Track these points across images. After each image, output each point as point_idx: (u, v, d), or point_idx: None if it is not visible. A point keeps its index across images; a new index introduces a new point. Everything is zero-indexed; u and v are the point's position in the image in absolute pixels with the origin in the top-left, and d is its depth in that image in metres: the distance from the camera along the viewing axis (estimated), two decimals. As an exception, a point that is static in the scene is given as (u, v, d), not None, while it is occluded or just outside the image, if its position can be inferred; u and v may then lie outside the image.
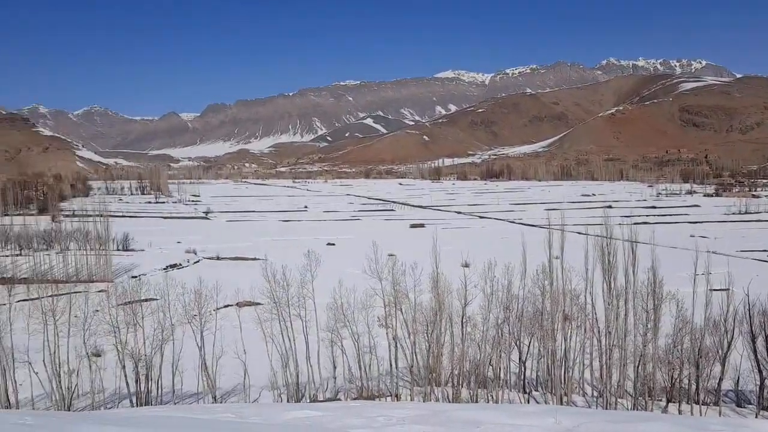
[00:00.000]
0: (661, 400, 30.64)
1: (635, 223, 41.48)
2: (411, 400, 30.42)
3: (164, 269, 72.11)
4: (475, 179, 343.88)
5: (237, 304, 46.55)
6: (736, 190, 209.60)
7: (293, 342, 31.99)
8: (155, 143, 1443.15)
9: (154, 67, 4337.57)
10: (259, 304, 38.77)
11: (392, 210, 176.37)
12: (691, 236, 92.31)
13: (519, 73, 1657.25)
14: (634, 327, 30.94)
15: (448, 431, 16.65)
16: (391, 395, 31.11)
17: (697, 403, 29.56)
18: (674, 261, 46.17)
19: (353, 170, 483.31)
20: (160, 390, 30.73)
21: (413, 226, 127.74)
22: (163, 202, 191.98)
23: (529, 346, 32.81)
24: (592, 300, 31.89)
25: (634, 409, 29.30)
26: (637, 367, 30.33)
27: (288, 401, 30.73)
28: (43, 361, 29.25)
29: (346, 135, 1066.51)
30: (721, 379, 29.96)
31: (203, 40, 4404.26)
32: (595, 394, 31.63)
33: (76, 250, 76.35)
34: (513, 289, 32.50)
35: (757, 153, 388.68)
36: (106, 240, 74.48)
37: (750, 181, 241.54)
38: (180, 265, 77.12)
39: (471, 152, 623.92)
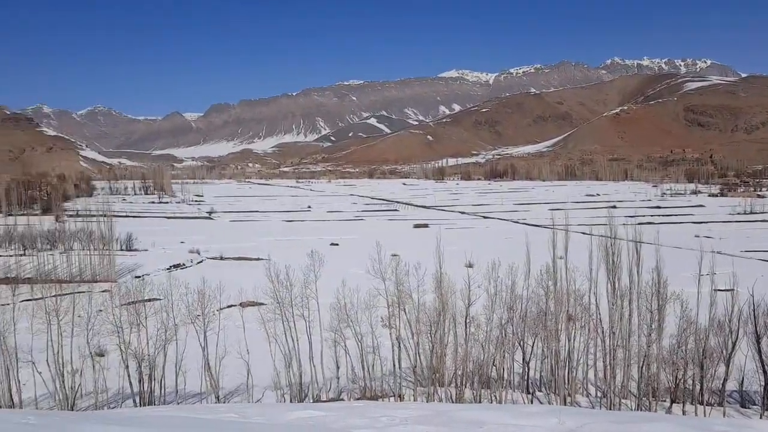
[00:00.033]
0: (665, 401, 30.53)
1: (640, 224, 41.32)
2: (414, 400, 30.37)
3: (167, 269, 72.20)
4: (479, 179, 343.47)
5: (240, 304, 46.58)
6: (741, 190, 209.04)
7: (296, 342, 31.97)
8: (159, 143, 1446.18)
9: (158, 67, 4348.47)
10: (262, 304, 38.80)
11: (396, 210, 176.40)
12: (696, 236, 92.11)
13: (523, 72, 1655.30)
14: (638, 327, 30.83)
15: (452, 431, 16.61)
16: (394, 395, 31.06)
17: (702, 403, 29.45)
18: (679, 261, 46.02)
19: (357, 170, 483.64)
20: (163, 390, 30.74)
21: (417, 226, 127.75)
22: (167, 202, 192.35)
23: (532, 347, 32.73)
24: (596, 300, 31.78)
25: (637, 409, 29.19)
26: (641, 367, 30.22)
27: (291, 401, 30.71)
28: (47, 360, 29.29)
29: (350, 135, 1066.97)
30: (725, 380, 29.82)
31: (207, 40, 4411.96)
32: (599, 394, 31.54)
33: (79, 250, 76.51)
34: (517, 289, 32.41)
35: (763, 153, 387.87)
36: (109, 240, 74.66)
37: (755, 181, 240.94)
38: (183, 265, 77.22)
39: (475, 152, 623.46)
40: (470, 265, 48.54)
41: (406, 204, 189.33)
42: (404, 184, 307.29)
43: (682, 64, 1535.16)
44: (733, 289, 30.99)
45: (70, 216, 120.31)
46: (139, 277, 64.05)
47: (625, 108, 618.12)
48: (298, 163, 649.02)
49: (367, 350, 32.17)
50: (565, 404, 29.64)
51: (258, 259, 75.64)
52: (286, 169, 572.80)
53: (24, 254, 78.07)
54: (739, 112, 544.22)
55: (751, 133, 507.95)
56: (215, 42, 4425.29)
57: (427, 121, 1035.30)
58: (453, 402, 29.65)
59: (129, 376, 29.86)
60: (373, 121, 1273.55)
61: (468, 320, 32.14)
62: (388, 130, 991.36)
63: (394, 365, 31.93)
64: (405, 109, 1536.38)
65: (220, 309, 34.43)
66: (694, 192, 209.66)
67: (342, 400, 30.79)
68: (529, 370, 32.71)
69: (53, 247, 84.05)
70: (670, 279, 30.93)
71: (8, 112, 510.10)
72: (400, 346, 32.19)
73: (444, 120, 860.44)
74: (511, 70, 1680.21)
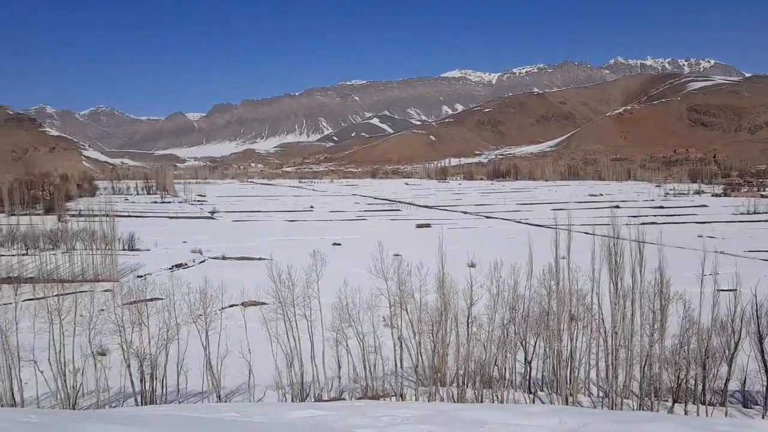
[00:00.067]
0: (667, 401, 30.47)
1: (643, 224, 41.26)
2: (416, 400, 30.35)
3: (170, 269, 72.30)
4: (481, 179, 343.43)
5: (242, 303, 46.57)
6: (745, 190, 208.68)
7: (298, 342, 31.96)
8: (161, 143, 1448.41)
9: (160, 68, 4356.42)
10: (264, 303, 38.78)
11: (398, 210, 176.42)
12: (699, 236, 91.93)
13: (526, 72, 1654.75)
14: (641, 327, 30.76)
15: (453, 431, 16.60)
16: (395, 395, 31.04)
17: (704, 403, 29.38)
18: (682, 261, 45.91)
19: (359, 170, 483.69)
20: (165, 389, 30.76)
21: (419, 226, 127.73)
22: (169, 202, 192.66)
23: (534, 347, 32.69)
24: (598, 300, 31.72)
25: (639, 409, 29.13)
26: (644, 367, 30.15)
27: (293, 401, 30.71)
28: (49, 360, 29.33)
29: (353, 135, 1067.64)
30: (727, 380, 29.75)
31: (209, 41, 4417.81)
32: (601, 394, 31.47)
33: (81, 249, 76.69)
34: (519, 289, 32.36)
35: (766, 153, 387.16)
36: (111, 240, 74.78)
37: (758, 181, 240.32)
38: (185, 264, 77.32)
39: (478, 152, 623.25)
40: (472, 265, 48.64)
41: (408, 204, 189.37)
42: (407, 184, 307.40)
43: (686, 63, 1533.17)
44: (735, 290, 30.92)
45: (73, 216, 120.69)
46: (141, 276, 64.12)
47: (629, 108, 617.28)
48: (301, 163, 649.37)
49: (369, 350, 32.14)
50: (567, 404, 29.60)
51: (260, 258, 75.69)
52: (288, 169, 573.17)
53: (26, 254, 78.24)
54: (742, 112, 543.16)
55: (754, 133, 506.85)
56: (218, 42, 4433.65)
57: (430, 121, 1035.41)
58: (455, 402, 29.61)
59: (131, 375, 29.89)
60: (375, 121, 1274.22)
61: (470, 320, 32.11)
62: (391, 130, 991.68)
63: (395, 365, 31.90)
64: (408, 109, 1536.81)
65: (222, 308, 34.43)
66: (698, 192, 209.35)
67: (343, 399, 30.79)
68: (531, 369, 32.65)
69: (56, 246, 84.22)
70: (672, 279, 30.84)
71: (11, 113, 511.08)
72: (401, 346, 32.17)
73: (447, 120, 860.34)
74: (514, 70, 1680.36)
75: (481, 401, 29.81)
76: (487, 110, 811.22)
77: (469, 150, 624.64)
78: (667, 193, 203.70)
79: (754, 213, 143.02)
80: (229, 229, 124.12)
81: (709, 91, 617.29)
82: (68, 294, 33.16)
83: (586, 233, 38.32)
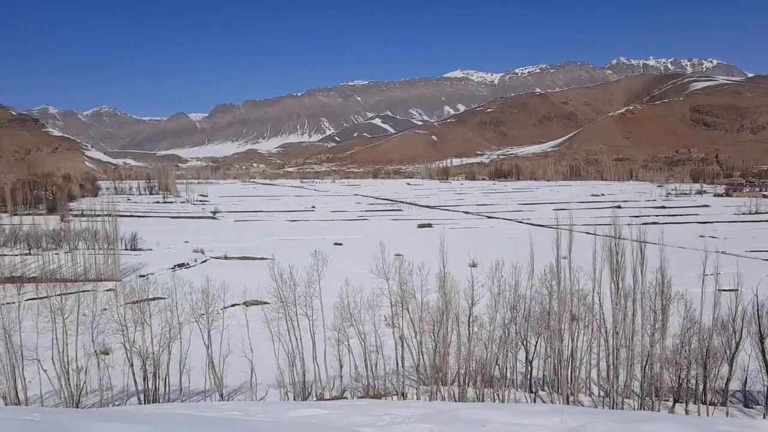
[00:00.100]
0: (668, 400, 30.51)
1: (644, 223, 41.28)
2: (417, 398, 30.44)
3: (172, 268, 72.48)
4: (483, 179, 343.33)
5: (244, 303, 46.74)
6: (747, 190, 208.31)
7: (300, 341, 32.07)
8: (164, 143, 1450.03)
9: (163, 68, 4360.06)
10: (266, 303, 38.89)
11: (400, 210, 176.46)
12: (701, 236, 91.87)
13: (528, 72, 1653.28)
14: (642, 327, 30.79)
15: (454, 430, 16.68)
16: (397, 394, 31.14)
17: (705, 403, 29.42)
18: (683, 261, 45.97)
19: (361, 170, 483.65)
20: (167, 388, 30.88)
21: (421, 226, 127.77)
22: (171, 202, 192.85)
23: (536, 346, 32.75)
24: (599, 300, 31.76)
25: (640, 409, 29.18)
26: (645, 367, 30.20)
27: (295, 399, 30.81)
28: (52, 358, 29.46)
29: (354, 135, 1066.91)
30: (728, 380, 29.78)
31: (212, 41, 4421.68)
32: (602, 393, 31.53)
33: (84, 249, 76.91)
34: (520, 289, 32.41)
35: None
36: (114, 239, 74.96)
37: (761, 181, 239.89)
38: (188, 264, 77.51)
39: (479, 152, 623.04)
40: (474, 265, 48.69)
41: (410, 204, 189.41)
42: (408, 184, 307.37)
43: (688, 64, 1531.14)
44: (737, 290, 30.96)
45: (75, 216, 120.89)
46: (144, 276, 64.29)
47: (631, 108, 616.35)
48: (303, 164, 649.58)
49: (371, 349, 32.23)
50: (567, 403, 29.66)
51: (262, 258, 75.82)
52: (290, 169, 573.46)
53: (29, 253, 78.49)
54: (745, 112, 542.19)
55: (757, 133, 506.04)
56: (220, 42, 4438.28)
57: (432, 121, 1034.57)
58: (456, 401, 29.68)
59: (134, 374, 30.04)
60: (377, 121, 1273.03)
61: (471, 319, 32.18)
62: (393, 131, 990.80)
63: (397, 364, 31.99)
64: (409, 109, 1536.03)
65: (224, 308, 34.54)
66: (700, 192, 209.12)
67: (345, 398, 30.89)
68: (532, 369, 32.71)
69: (58, 246, 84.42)
70: (674, 279, 30.88)
71: (14, 113, 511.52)
72: (403, 345, 32.25)
73: (448, 120, 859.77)
74: (516, 70, 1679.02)
75: (483, 400, 29.88)
76: (489, 110, 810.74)
77: (471, 150, 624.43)
78: (669, 194, 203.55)
79: (756, 213, 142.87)
80: (231, 229, 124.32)
81: (712, 91, 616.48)
82: (71, 293, 33.32)
83: (587, 233, 38.29)
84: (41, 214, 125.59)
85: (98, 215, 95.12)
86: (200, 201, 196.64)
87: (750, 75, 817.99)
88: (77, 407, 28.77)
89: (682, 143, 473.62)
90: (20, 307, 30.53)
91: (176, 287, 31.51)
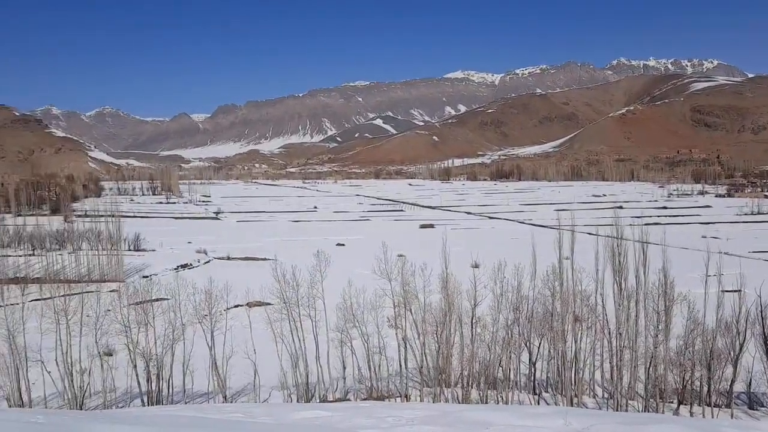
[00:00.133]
0: (672, 402, 30.46)
1: (646, 224, 41.22)
2: (420, 400, 30.39)
3: (175, 269, 72.49)
4: (485, 180, 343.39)
5: (247, 304, 46.72)
6: (749, 190, 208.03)
7: (303, 342, 32.04)
8: (166, 144, 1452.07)
9: (165, 69, 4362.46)
10: (269, 304, 38.90)
11: (402, 210, 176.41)
12: (703, 237, 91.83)
13: (529, 73, 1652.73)
14: (645, 328, 30.72)
15: (458, 432, 16.65)
16: (400, 396, 31.10)
17: (709, 405, 29.35)
18: (686, 262, 45.85)
19: (363, 171, 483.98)
20: (171, 389, 30.89)
21: (423, 226, 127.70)
22: (174, 203, 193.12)
23: (539, 347, 32.70)
24: (602, 301, 31.70)
25: (644, 410, 29.13)
26: (648, 368, 30.15)
27: (298, 401, 30.80)
28: (56, 360, 29.48)
29: (356, 135, 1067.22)
30: (733, 381, 29.71)
31: (214, 42, 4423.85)
32: (606, 395, 31.47)
33: (88, 250, 76.95)
34: (523, 290, 32.37)
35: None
36: (117, 240, 75.06)
37: (762, 181, 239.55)
38: (191, 265, 77.50)
39: (481, 153, 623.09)
40: (476, 266, 48.60)
41: (412, 204, 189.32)
42: (410, 184, 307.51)
43: (689, 64, 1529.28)
44: (740, 290, 30.86)
45: (79, 216, 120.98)
46: (147, 277, 64.28)
47: (632, 108, 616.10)
48: (305, 164, 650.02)
49: (374, 350, 32.20)
50: (571, 405, 29.61)
51: (264, 259, 75.82)
52: (292, 169, 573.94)
53: (33, 254, 78.53)
54: (746, 113, 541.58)
55: (758, 134, 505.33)
56: (222, 43, 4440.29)
57: (433, 121, 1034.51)
58: (459, 402, 29.67)
59: (137, 375, 30.02)
60: (379, 121, 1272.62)
61: (474, 321, 32.14)
62: (394, 131, 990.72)
63: (400, 366, 31.98)
64: (411, 109, 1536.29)
65: (227, 309, 34.61)
66: (701, 192, 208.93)
67: (348, 400, 30.85)
68: (535, 371, 32.68)
69: (62, 247, 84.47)
70: (676, 280, 30.83)
71: (17, 114, 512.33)
72: (406, 347, 32.25)
73: (450, 121, 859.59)
74: (517, 71, 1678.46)
75: (486, 402, 29.86)
76: (490, 111, 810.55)
77: (473, 151, 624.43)
78: (671, 194, 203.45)
79: (758, 213, 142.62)
80: (234, 230, 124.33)
81: (713, 91, 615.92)
82: (75, 294, 33.32)
83: (589, 234, 38.24)
84: (45, 215, 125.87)
85: (101, 216, 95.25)
86: (203, 201, 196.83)
87: (750, 75, 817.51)
88: (81, 409, 28.79)
89: (683, 144, 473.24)
90: (24, 308, 30.52)
91: (179, 288, 31.51)
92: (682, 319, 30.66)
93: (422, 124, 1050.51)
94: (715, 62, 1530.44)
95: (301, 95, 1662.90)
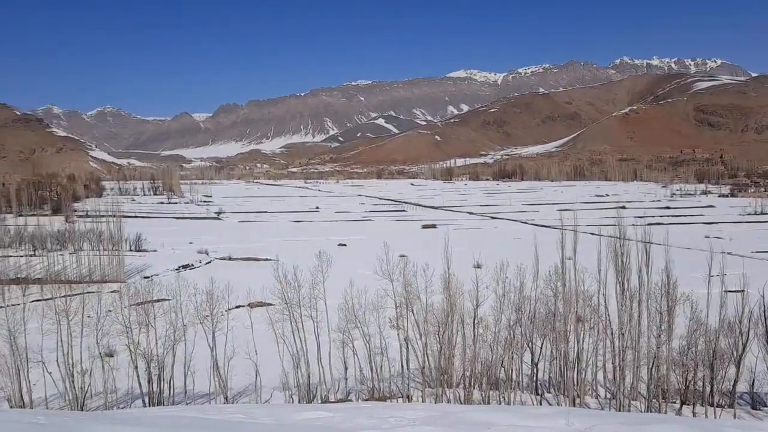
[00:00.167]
0: (675, 402, 30.37)
1: (649, 224, 41.10)
2: (422, 401, 30.33)
3: (176, 270, 72.44)
4: (487, 179, 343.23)
5: (249, 304, 46.65)
6: (752, 190, 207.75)
7: (304, 343, 31.97)
8: (168, 144, 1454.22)
9: (167, 68, 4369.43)
10: (270, 304, 38.85)
11: (404, 210, 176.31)
12: (706, 237, 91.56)
13: (531, 72, 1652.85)
14: (648, 328, 30.63)
15: (460, 433, 16.58)
16: (402, 396, 31.03)
17: (712, 405, 29.27)
18: (689, 262, 45.74)
19: (365, 170, 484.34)
20: (172, 390, 30.84)
21: (425, 226, 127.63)
22: (176, 203, 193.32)
23: (541, 348, 32.60)
24: (605, 301, 31.60)
25: (647, 411, 29.04)
26: (651, 368, 30.05)
27: (299, 402, 30.74)
28: (57, 361, 29.44)
29: (358, 135, 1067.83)
30: (735, 382, 29.63)
31: (215, 41, 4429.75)
32: (608, 395, 31.39)
33: (89, 250, 76.90)
34: (525, 290, 32.28)
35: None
36: (118, 240, 75.04)
37: (766, 181, 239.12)
38: (192, 265, 77.46)
39: (483, 152, 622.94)
40: (478, 266, 48.45)
41: (414, 204, 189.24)
42: (412, 184, 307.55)
43: (692, 63, 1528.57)
44: (743, 290, 30.77)
45: (80, 216, 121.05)
46: (148, 277, 64.28)
47: (635, 108, 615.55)
48: (306, 164, 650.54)
49: (375, 351, 32.11)
50: (573, 405, 29.52)
51: (266, 259, 75.75)
52: (294, 169, 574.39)
53: (34, 254, 78.58)
54: (749, 112, 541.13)
55: (761, 133, 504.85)
56: (223, 42, 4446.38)
57: (435, 121, 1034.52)
58: (461, 403, 29.60)
59: (138, 376, 29.97)
60: (381, 121, 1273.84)
61: (476, 321, 32.04)
62: (396, 131, 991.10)
63: (402, 366, 31.89)
64: (413, 109, 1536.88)
65: (229, 309, 34.51)
66: (704, 192, 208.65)
67: (350, 400, 30.79)
68: (537, 371, 32.59)
69: (63, 247, 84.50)
70: (679, 280, 30.75)
71: (18, 113, 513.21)
72: (408, 347, 32.15)
73: (452, 120, 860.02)
74: (520, 70, 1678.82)
75: (488, 403, 29.78)
76: (492, 110, 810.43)
77: (475, 150, 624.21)
78: (674, 194, 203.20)
79: (762, 213, 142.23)
80: (235, 230, 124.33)
81: (716, 91, 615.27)
82: (76, 295, 33.30)
83: (592, 234, 38.26)
84: (46, 215, 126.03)
85: (103, 216, 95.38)
86: (204, 201, 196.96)
87: (754, 75, 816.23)
88: (82, 410, 28.75)
89: (686, 143, 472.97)
90: (25, 309, 30.48)
91: (181, 288, 31.45)
92: (685, 319, 30.58)
93: (424, 123, 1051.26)
94: (719, 61, 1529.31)
95: (302, 94, 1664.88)
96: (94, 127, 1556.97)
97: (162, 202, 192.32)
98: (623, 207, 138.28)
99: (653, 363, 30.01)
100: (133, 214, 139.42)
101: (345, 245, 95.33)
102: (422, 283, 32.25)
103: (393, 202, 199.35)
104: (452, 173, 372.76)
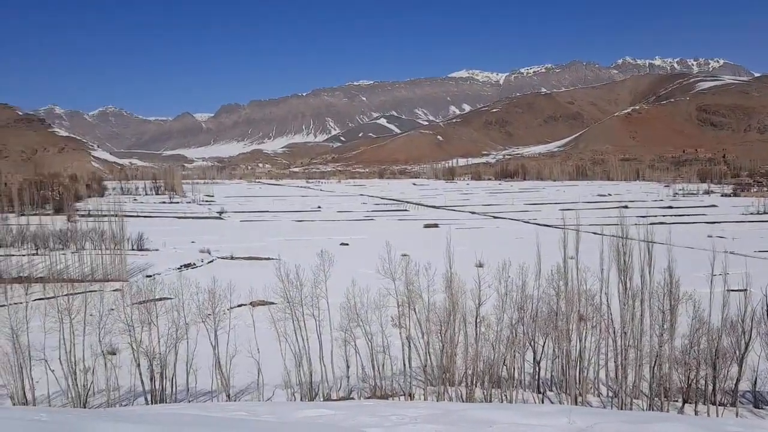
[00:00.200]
0: (677, 401, 30.35)
1: (651, 224, 41.05)
2: (424, 399, 30.35)
3: (178, 269, 72.54)
4: (489, 179, 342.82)
5: (251, 303, 46.69)
6: (755, 189, 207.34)
7: (307, 341, 32.02)
8: (169, 143, 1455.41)
9: (169, 68, 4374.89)
10: (272, 303, 38.86)
11: (406, 210, 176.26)
12: (709, 236, 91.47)
13: (534, 72, 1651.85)
14: (650, 327, 30.64)
15: (461, 430, 16.59)
16: (404, 394, 31.05)
17: (714, 404, 29.25)
18: (691, 261, 45.74)
19: (367, 170, 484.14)
20: (174, 388, 30.89)
21: (427, 226, 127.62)
22: (177, 202, 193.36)
23: (543, 347, 32.62)
24: (607, 300, 31.61)
25: (649, 409, 29.02)
26: (653, 367, 30.04)
27: (301, 400, 30.77)
28: (59, 359, 29.50)
29: (360, 135, 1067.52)
30: (738, 380, 29.60)
31: (216, 41, 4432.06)
32: (610, 394, 31.38)
33: (91, 249, 76.95)
34: (527, 289, 32.29)
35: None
36: (120, 240, 75.03)
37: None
38: (194, 264, 77.52)
39: (485, 152, 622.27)
40: (481, 265, 48.46)
41: (416, 204, 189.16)
42: (414, 184, 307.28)
43: (695, 63, 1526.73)
44: (746, 290, 30.77)
45: (82, 216, 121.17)
46: (150, 276, 64.37)
47: (637, 108, 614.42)
48: (308, 164, 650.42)
49: (377, 349, 32.15)
50: (575, 404, 29.52)
51: (268, 258, 75.84)
52: (296, 169, 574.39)
53: (36, 254, 78.64)
54: (752, 112, 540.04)
55: (764, 133, 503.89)
56: (225, 43, 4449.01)
57: (437, 121, 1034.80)
58: (463, 401, 29.59)
59: (140, 374, 30.04)
60: (383, 121, 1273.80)
61: (478, 320, 32.06)
62: (398, 131, 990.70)
63: (404, 364, 31.90)
64: (415, 109, 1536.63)
65: (231, 308, 34.55)
66: (707, 192, 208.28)
67: (352, 398, 30.83)
68: (539, 369, 32.59)
69: (65, 246, 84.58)
70: (682, 279, 30.72)
71: (20, 113, 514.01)
72: (410, 346, 32.16)
73: (454, 120, 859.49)
74: (522, 70, 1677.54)
75: (490, 401, 29.78)
76: (494, 110, 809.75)
77: (477, 150, 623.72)
78: (676, 194, 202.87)
79: (764, 213, 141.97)
80: (237, 229, 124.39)
81: (718, 90, 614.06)
82: (78, 293, 33.35)
83: (594, 233, 38.20)
84: (48, 215, 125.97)
85: (105, 215, 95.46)
86: (206, 201, 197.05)
87: (757, 74, 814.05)
88: (84, 407, 28.81)
89: (688, 143, 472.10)
90: (27, 308, 30.52)
91: (183, 287, 31.51)
92: (688, 318, 30.57)
93: (426, 123, 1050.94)
94: (721, 61, 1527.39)
95: (304, 94, 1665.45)
96: (96, 127, 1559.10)
97: (164, 202, 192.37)
98: (625, 206, 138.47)
99: (655, 362, 29.99)
100: (135, 214, 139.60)
101: (347, 245, 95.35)
102: (424, 282, 32.26)
103: (395, 202, 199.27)
104: (454, 173, 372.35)
